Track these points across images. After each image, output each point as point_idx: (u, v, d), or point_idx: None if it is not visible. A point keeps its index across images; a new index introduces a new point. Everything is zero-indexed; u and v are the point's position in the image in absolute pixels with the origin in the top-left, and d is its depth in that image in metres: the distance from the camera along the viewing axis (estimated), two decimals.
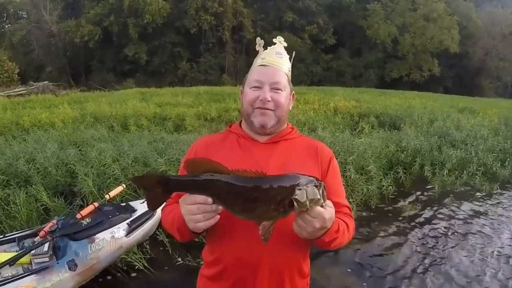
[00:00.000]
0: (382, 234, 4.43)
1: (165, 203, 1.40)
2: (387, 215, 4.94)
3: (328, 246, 1.24)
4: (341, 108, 12.63)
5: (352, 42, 41.22)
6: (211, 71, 35.87)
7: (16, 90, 21.75)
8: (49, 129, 8.06)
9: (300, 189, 1.00)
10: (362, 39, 39.57)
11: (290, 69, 1.47)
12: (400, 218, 4.85)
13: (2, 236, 3.30)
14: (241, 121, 1.49)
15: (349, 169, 5.24)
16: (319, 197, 1.02)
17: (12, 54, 32.62)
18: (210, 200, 1.02)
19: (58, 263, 2.83)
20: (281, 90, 1.36)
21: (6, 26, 41.13)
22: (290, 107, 1.48)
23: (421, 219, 4.88)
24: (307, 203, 1.00)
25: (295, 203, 1.00)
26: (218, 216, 1.07)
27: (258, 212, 1.02)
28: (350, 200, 4.64)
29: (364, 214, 4.78)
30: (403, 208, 5.01)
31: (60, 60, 36.59)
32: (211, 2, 36.13)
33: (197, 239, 2.01)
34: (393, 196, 5.34)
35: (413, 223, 4.76)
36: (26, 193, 4.17)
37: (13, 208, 3.89)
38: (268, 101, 1.33)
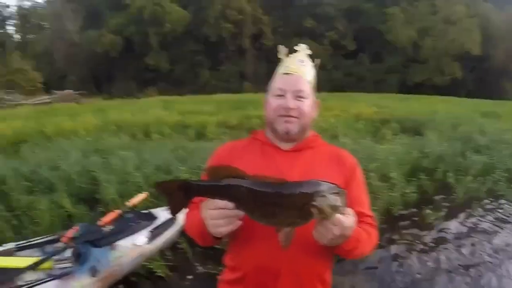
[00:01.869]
0: (405, 242, 4.32)
1: (187, 208, 1.41)
2: (410, 222, 4.81)
3: (349, 255, 1.24)
4: (362, 114, 12.49)
5: (372, 47, 40.87)
6: (232, 79, 36.18)
7: (39, 98, 22.34)
8: (72, 137, 8.20)
9: (320, 196, 0.99)
10: (382, 43, 39.23)
11: (314, 77, 1.47)
12: (424, 226, 4.72)
13: (25, 241, 3.34)
14: (266, 128, 1.49)
15: (371, 177, 5.14)
16: (339, 204, 1.01)
17: (35, 64, 33.50)
18: (231, 205, 1.03)
19: (79, 269, 2.85)
20: (304, 98, 1.37)
21: (30, 37, 42.27)
22: (315, 115, 1.47)
23: (444, 227, 4.75)
24: (327, 210, 0.99)
25: (314, 210, 0.99)
26: (240, 222, 1.07)
27: (278, 218, 1.02)
28: (373, 207, 4.53)
29: (387, 221, 4.68)
30: (427, 215, 4.87)
31: (82, 69, 37.46)
32: (230, 10, 36.50)
33: (218, 246, 1.99)
34: (416, 204, 5.21)
35: (436, 231, 4.63)
36: (50, 200, 4.23)
37: (36, 214, 3.95)
38: (292, 109, 1.34)
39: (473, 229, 4.75)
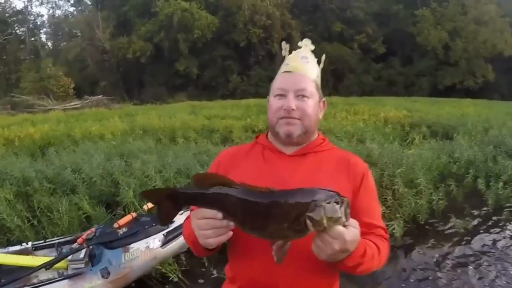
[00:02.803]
0: (430, 252, 4.11)
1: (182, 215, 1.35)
2: (436, 231, 4.60)
3: (352, 272, 1.10)
4: (391, 118, 12.14)
5: (402, 50, 40.01)
6: (261, 84, 35.99)
7: (71, 104, 22.97)
8: (98, 141, 8.34)
9: (316, 206, 0.89)
10: (412, 46, 38.29)
11: (319, 75, 1.36)
12: (451, 235, 4.49)
13: (43, 241, 3.44)
14: (267, 132, 1.40)
15: (396, 182, 4.93)
16: (339, 215, 0.91)
17: (67, 70, 34.43)
18: (220, 215, 0.96)
19: (91, 270, 2.87)
20: (308, 98, 1.26)
21: (62, 44, 43.77)
22: (320, 116, 1.36)
23: (473, 237, 4.49)
24: (324, 221, 0.89)
25: (308, 222, 0.89)
26: (231, 233, 0.99)
27: (270, 230, 0.94)
28: (397, 215, 4.35)
29: (411, 230, 4.47)
30: (454, 224, 4.63)
31: (113, 75, 38.34)
32: (259, 16, 36.56)
33: None
34: (444, 211, 4.98)
35: (464, 241, 4.38)
36: (70, 202, 4.27)
37: (55, 215, 4.00)
38: (293, 109, 1.24)
39: (503, 240, 4.47)
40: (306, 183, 1.10)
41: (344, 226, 0.93)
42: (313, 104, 1.28)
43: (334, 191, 0.94)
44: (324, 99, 1.37)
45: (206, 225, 0.97)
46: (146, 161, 5.65)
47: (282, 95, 1.26)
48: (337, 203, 0.91)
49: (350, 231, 0.95)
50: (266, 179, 1.17)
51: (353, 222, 0.97)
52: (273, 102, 1.29)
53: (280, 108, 1.26)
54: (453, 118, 11.88)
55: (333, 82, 35.03)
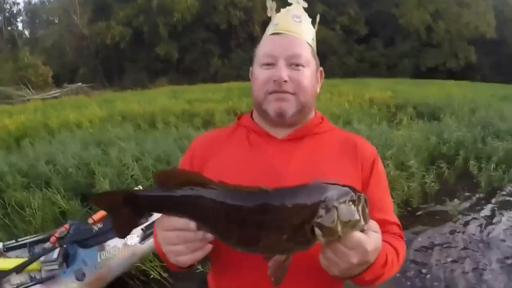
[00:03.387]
0: (425, 237, 3.95)
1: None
2: (430, 215, 4.44)
3: (369, 285, 0.84)
4: (376, 99, 12.09)
5: (385, 32, 40.04)
6: (243, 67, 35.69)
7: (50, 93, 22.29)
8: (76, 130, 8.00)
9: (327, 208, 0.65)
10: (395, 28, 38.35)
11: (315, 39, 1.07)
12: (445, 219, 4.34)
13: (14, 241, 3.15)
14: (252, 111, 1.12)
15: (387, 165, 4.74)
16: (357, 218, 0.68)
17: (46, 58, 33.69)
18: (193, 225, 0.70)
19: (65, 272, 2.62)
20: (303, 66, 0.98)
21: (39, 32, 42.64)
22: (318, 89, 1.07)
23: (468, 220, 4.35)
24: (339, 228, 0.65)
25: (317, 230, 0.65)
26: (209, 246, 0.73)
27: (264, 244, 0.69)
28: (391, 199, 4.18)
29: (405, 215, 4.31)
30: (448, 207, 4.49)
31: (93, 62, 37.58)
32: None
33: None
34: (436, 194, 4.84)
35: (459, 225, 4.24)
36: (43, 196, 3.99)
37: (28, 212, 3.71)
38: (285, 81, 0.96)
39: (497, 223, 4.34)
40: (304, 173, 0.87)
41: (363, 230, 0.71)
42: (310, 74, 1.01)
43: (348, 186, 0.71)
44: (321, 68, 1.09)
45: (176, 239, 0.72)
46: (124, 149, 5.37)
47: (270, 64, 0.98)
48: (353, 202, 0.68)
49: (372, 238, 0.72)
50: (253, 171, 0.94)
51: (373, 224, 0.74)
52: (259, 73, 1.01)
53: (268, 80, 0.98)
54: (439, 99, 11.85)
55: None
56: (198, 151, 1.07)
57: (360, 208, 0.69)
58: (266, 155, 0.99)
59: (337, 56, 37.26)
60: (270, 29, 1.04)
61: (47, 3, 45.93)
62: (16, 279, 2.77)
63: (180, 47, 36.79)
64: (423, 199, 4.70)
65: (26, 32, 47.59)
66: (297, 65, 0.98)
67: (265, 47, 1.02)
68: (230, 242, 0.71)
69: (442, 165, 5.35)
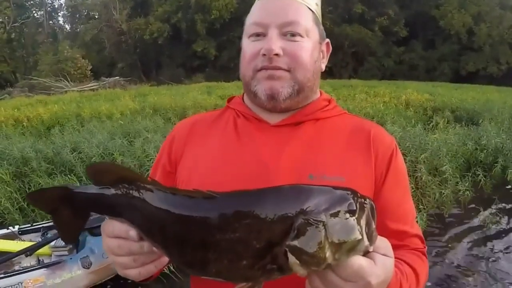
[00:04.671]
0: (455, 249, 3.70)
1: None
2: (462, 226, 4.17)
3: None
4: (413, 101, 11.65)
5: (425, 34, 38.73)
6: None
7: (88, 85, 22.86)
8: (106, 121, 8.10)
9: (307, 223, 0.46)
10: (435, 30, 37.03)
11: (319, 4, 0.86)
12: (478, 231, 4.06)
13: (29, 225, 3.25)
14: (244, 93, 0.93)
15: (420, 169, 4.45)
16: (358, 237, 0.47)
17: (85, 52, 34.57)
18: (133, 233, 0.53)
19: (71, 259, 2.58)
20: (301, 36, 0.78)
21: (80, 27, 44.05)
22: (323, 66, 0.87)
23: (503, 233, 4.05)
24: (328, 254, 0.46)
25: (290, 257, 0.46)
26: (164, 260, 0.56)
27: (216, 269, 0.50)
28: (420, 207, 3.92)
29: (435, 224, 4.04)
30: (482, 218, 4.19)
31: (131, 57, 38.34)
32: None
33: None
34: (470, 203, 4.53)
35: (493, 238, 3.95)
36: (63, 182, 4.01)
37: None
38: (276, 54, 0.76)
39: None
40: (298, 170, 0.72)
41: (367, 253, 0.50)
42: (311, 47, 0.80)
43: (346, 188, 0.51)
44: (327, 40, 0.88)
45: (119, 249, 0.56)
46: (149, 140, 5.34)
47: (259, 34, 0.79)
48: (352, 212, 0.47)
49: (379, 265, 0.51)
50: (235, 165, 0.77)
51: (382, 244, 0.53)
52: (247, 45, 0.82)
53: (256, 53, 0.78)
54: (478, 103, 11.31)
55: (353, 65, 34.37)
56: (179, 137, 0.90)
57: (363, 222, 0.48)
58: (253, 144, 0.80)
59: (376, 57, 36.42)
60: None
61: None
62: (26, 261, 2.81)
63: (217, 44, 37.01)
64: (456, 208, 4.42)
65: (67, 27, 49.41)
66: (293, 34, 0.78)
67: (254, 14, 0.82)
68: (175, 261, 0.54)
69: (478, 172, 5.01)
